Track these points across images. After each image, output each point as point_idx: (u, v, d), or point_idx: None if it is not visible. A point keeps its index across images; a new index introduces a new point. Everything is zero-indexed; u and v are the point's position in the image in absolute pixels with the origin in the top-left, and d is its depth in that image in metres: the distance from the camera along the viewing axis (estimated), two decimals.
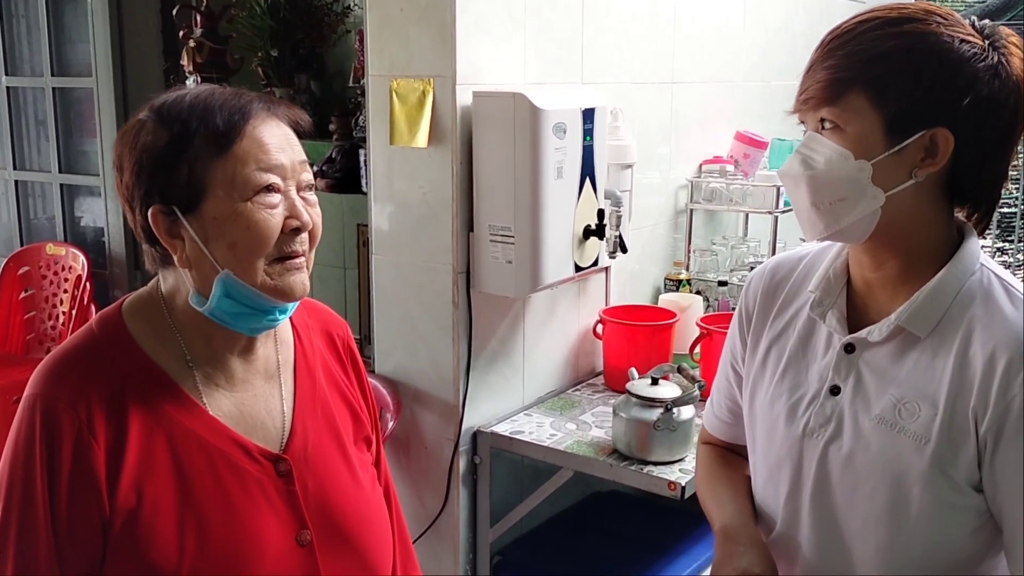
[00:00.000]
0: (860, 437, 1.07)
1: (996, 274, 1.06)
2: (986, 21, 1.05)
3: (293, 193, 1.05)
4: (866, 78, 1.00)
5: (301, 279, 1.06)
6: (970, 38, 1.00)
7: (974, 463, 1.02)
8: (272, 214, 1.02)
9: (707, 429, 1.38)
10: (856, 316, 1.12)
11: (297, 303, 1.10)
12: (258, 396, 1.11)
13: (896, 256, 1.07)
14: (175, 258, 1.04)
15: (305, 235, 1.06)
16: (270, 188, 1.02)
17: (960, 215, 1.09)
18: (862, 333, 1.09)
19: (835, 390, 1.11)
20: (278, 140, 1.05)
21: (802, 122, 1.08)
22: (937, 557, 1.06)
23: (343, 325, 1.28)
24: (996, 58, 1.00)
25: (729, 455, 1.34)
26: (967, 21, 1.03)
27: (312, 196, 1.08)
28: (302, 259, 1.06)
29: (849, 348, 1.10)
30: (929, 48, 0.99)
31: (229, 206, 1.01)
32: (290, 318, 1.17)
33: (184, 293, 1.07)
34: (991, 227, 3.76)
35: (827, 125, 1.03)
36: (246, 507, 1.05)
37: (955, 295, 1.04)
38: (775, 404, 1.17)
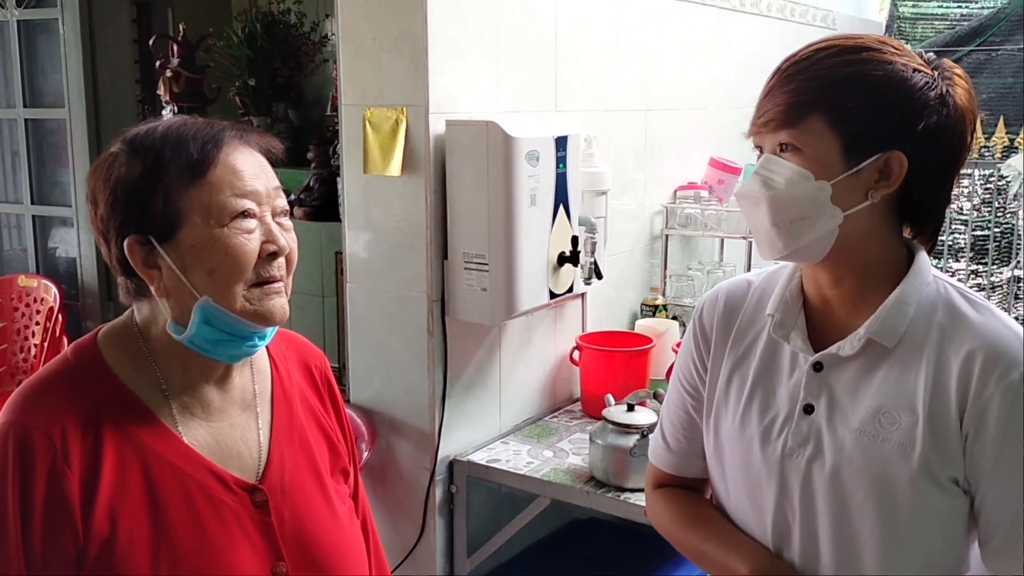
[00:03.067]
0: (842, 452, 1.09)
1: (950, 284, 1.12)
2: (931, 54, 1.11)
3: (269, 218, 1.06)
4: (826, 102, 1.04)
5: (280, 303, 1.06)
6: (921, 68, 1.06)
7: (960, 464, 1.05)
8: (249, 239, 1.03)
9: (658, 466, 1.32)
10: (817, 335, 1.14)
11: (275, 329, 1.10)
12: (235, 426, 1.11)
13: (852, 273, 1.11)
14: (152, 288, 1.04)
15: (282, 260, 1.07)
16: (246, 214, 1.03)
17: (907, 235, 1.14)
18: (832, 349, 1.11)
19: (808, 409, 1.12)
20: (251, 167, 1.06)
21: (757, 146, 1.11)
22: (933, 561, 1.08)
23: (320, 356, 1.28)
24: (944, 88, 1.06)
25: (692, 495, 1.30)
26: (916, 53, 1.09)
27: (287, 221, 1.09)
28: (281, 283, 1.07)
29: (818, 366, 1.12)
30: (886, 76, 1.04)
31: (206, 233, 1.02)
32: (268, 348, 1.18)
33: (160, 323, 1.07)
34: (966, 250, 3.80)
35: (786, 147, 1.06)
36: (221, 538, 1.04)
37: (915, 305, 1.08)
38: (745, 429, 1.17)
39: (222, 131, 1.05)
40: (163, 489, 1.02)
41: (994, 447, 1.03)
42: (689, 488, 1.30)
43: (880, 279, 1.10)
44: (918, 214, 1.11)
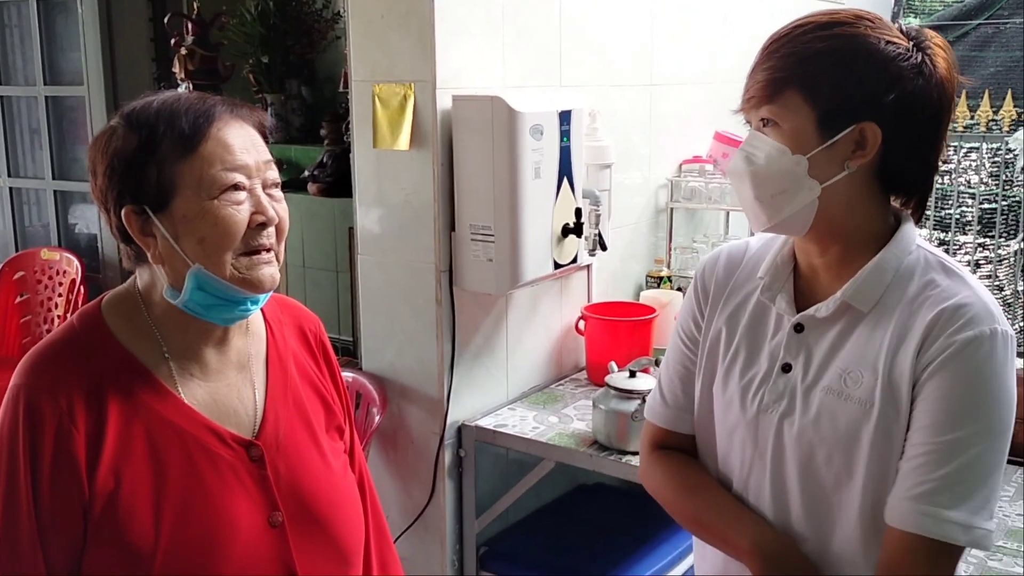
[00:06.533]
0: (809, 409, 1.14)
1: (932, 253, 1.15)
2: (913, 25, 1.13)
3: (259, 190, 1.11)
4: (801, 77, 1.08)
5: (270, 271, 1.12)
6: (895, 39, 1.08)
7: (908, 417, 1.08)
8: (238, 210, 1.08)
9: (654, 422, 1.34)
10: (803, 299, 1.19)
11: (268, 294, 1.15)
12: (231, 386, 1.17)
13: (836, 241, 1.15)
14: (149, 255, 1.10)
15: (272, 229, 1.12)
16: (236, 187, 1.08)
17: (896, 204, 1.17)
18: (810, 311, 1.16)
19: (786, 367, 1.17)
20: (242, 141, 1.10)
21: (747, 122, 1.15)
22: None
23: (315, 320, 1.33)
24: (920, 58, 1.08)
25: (689, 461, 1.30)
26: (895, 25, 1.11)
27: (278, 192, 1.14)
28: (270, 252, 1.12)
29: (799, 328, 1.17)
30: (856, 48, 1.08)
31: (197, 204, 1.07)
32: (263, 314, 1.23)
33: (159, 288, 1.12)
34: (973, 223, 3.82)
35: (767, 123, 1.11)
36: (219, 490, 1.10)
37: (894, 272, 1.12)
38: (728, 385, 1.22)
39: (213, 106, 1.10)
40: (164, 446, 1.09)
41: (923, 392, 1.06)
42: (685, 448, 1.31)
43: (864, 246, 1.14)
44: (902, 183, 1.14)
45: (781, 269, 1.21)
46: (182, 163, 1.07)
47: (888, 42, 1.08)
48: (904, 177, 1.13)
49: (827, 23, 1.09)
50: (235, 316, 1.14)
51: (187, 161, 1.07)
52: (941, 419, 1.05)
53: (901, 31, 1.10)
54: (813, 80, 1.07)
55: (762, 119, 1.11)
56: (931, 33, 1.12)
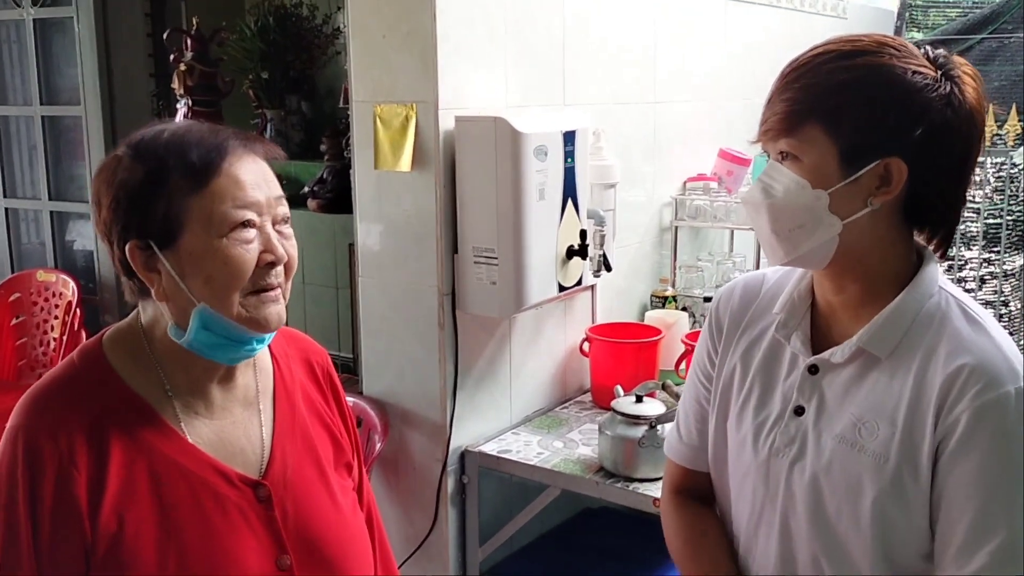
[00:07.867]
0: (821, 457, 1.09)
1: (954, 297, 1.09)
2: (940, 51, 1.07)
3: (269, 228, 1.07)
4: (821, 110, 1.03)
5: (277, 310, 1.08)
6: (922, 69, 1.03)
7: (928, 479, 1.03)
8: (248, 249, 1.05)
9: (673, 459, 1.32)
10: (820, 338, 1.14)
11: (274, 333, 1.12)
12: (237, 423, 1.14)
13: (856, 280, 1.10)
14: (152, 291, 1.07)
15: (280, 268, 1.08)
16: (246, 224, 1.05)
17: (920, 239, 1.12)
18: (825, 355, 1.11)
19: (799, 410, 1.12)
20: (254, 177, 1.07)
21: (765, 152, 1.10)
22: (910, 566, 1.06)
23: (322, 352, 1.30)
24: (949, 87, 1.02)
25: (701, 511, 1.27)
26: (920, 51, 1.05)
27: (288, 229, 1.10)
28: (277, 291, 1.08)
29: (813, 369, 1.12)
30: (881, 80, 1.02)
31: (205, 242, 1.03)
32: (270, 347, 1.20)
33: (163, 324, 1.09)
34: (978, 238, 3.80)
35: (786, 156, 1.06)
36: (226, 532, 1.07)
37: (914, 317, 1.07)
38: (741, 424, 1.18)
39: (226, 140, 1.06)
40: (169, 487, 1.05)
41: (953, 461, 1.01)
42: (704, 487, 1.28)
43: (884, 286, 1.08)
44: (927, 218, 1.09)
45: (798, 306, 1.16)
46: (191, 198, 1.03)
47: (915, 72, 1.02)
48: (930, 212, 1.08)
49: (849, 52, 1.04)
50: (240, 356, 1.11)
51: (196, 196, 1.03)
52: (978, 493, 1.00)
53: (928, 58, 1.04)
54: (835, 113, 1.02)
55: (781, 152, 1.06)
56: (960, 60, 1.06)
